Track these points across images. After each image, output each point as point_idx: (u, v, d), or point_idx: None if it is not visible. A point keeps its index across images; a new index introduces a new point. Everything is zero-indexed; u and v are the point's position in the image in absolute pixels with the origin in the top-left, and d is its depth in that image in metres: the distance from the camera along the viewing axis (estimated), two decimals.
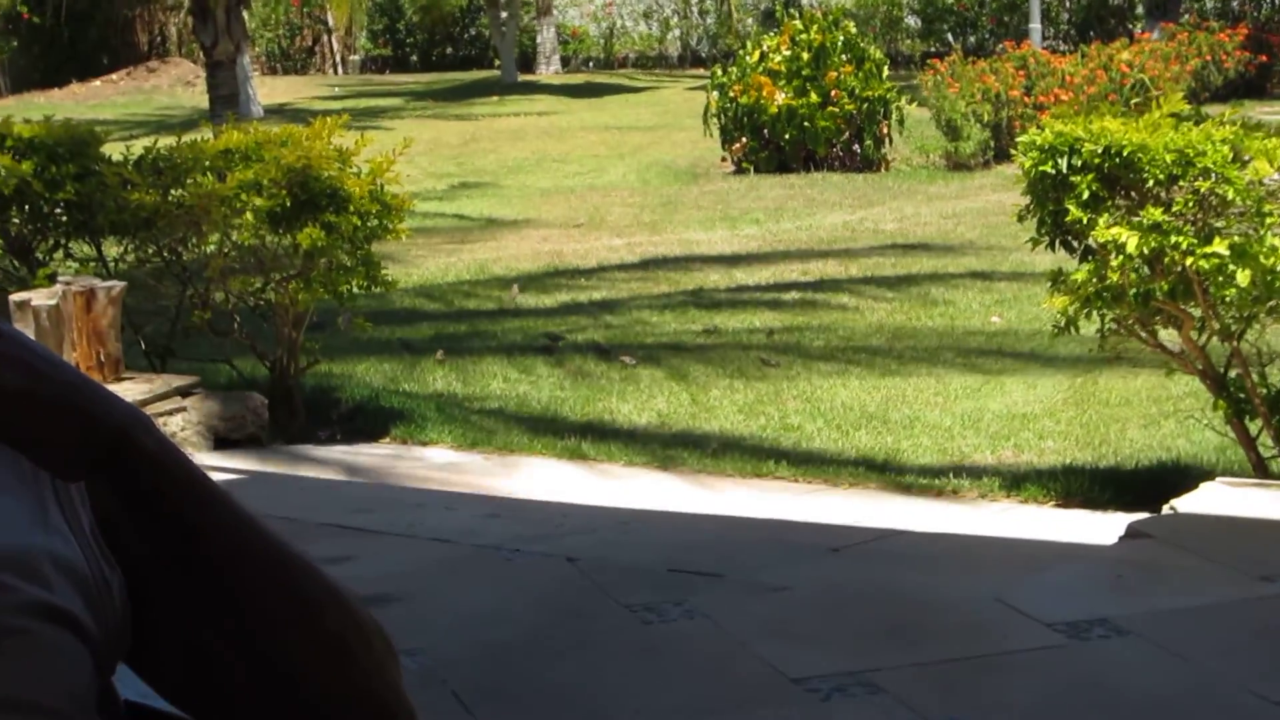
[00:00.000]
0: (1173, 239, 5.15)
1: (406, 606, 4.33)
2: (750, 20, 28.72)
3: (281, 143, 6.92)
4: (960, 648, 3.98)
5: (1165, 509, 5.27)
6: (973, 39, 26.81)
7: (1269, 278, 5.13)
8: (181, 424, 6.60)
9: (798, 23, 16.59)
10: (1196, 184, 5.18)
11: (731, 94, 16.22)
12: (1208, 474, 5.78)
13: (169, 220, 6.95)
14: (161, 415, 6.43)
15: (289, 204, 6.70)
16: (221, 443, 6.71)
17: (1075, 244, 5.58)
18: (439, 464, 6.68)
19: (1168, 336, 5.79)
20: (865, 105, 15.98)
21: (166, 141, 7.45)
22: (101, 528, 1.06)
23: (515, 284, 10.52)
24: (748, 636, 4.07)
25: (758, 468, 6.47)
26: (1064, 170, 5.33)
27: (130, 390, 6.46)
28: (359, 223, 6.79)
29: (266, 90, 23.38)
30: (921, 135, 16.47)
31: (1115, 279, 5.34)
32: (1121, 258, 5.23)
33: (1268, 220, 5.16)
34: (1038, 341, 8.10)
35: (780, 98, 15.87)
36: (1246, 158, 5.19)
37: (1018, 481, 6.07)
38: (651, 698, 3.71)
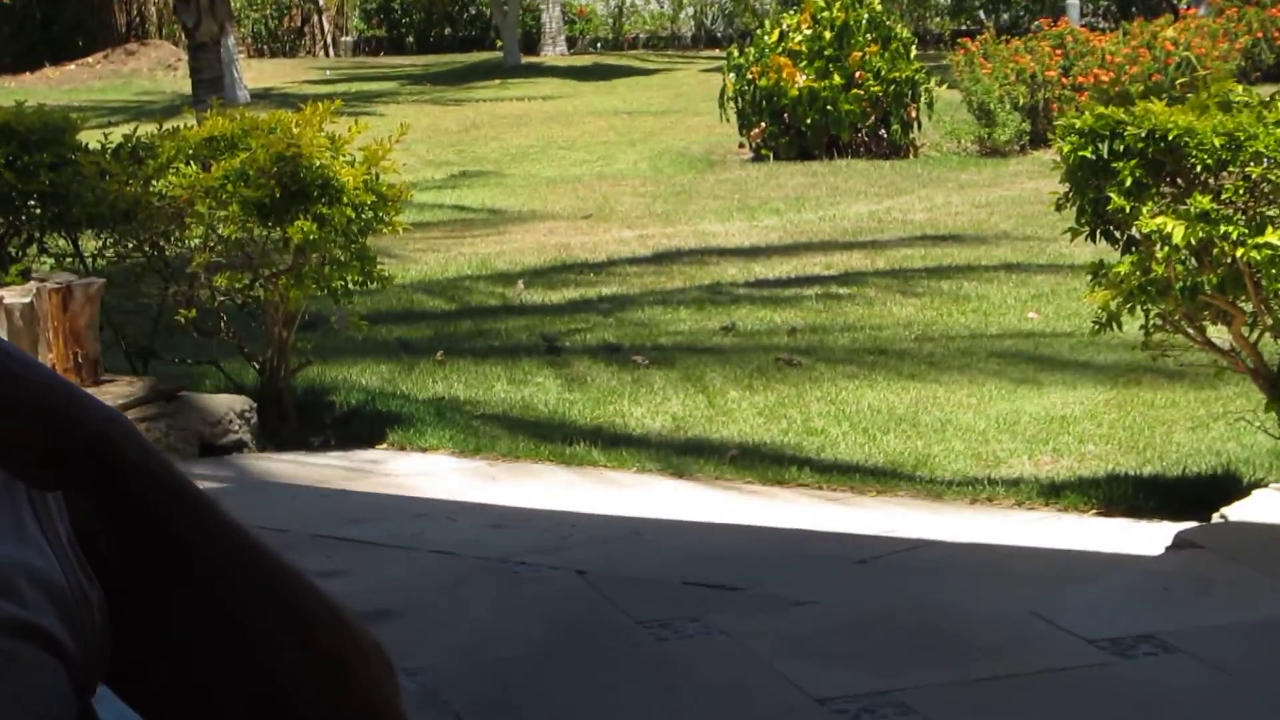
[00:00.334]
0: (1222, 229, 5.14)
1: (406, 622, 4.34)
2: None
3: (270, 130, 6.93)
4: (996, 666, 3.98)
5: (1215, 517, 5.27)
6: (1006, 16, 26.81)
7: None
8: (165, 429, 6.61)
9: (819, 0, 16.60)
10: (1247, 170, 5.18)
11: (749, 76, 16.22)
12: (1260, 480, 5.77)
13: (150, 213, 6.97)
14: (144, 420, 6.45)
15: (278, 195, 6.71)
16: (208, 449, 6.72)
17: (1117, 234, 5.58)
18: (439, 471, 6.68)
19: (1217, 333, 5.78)
20: (892, 87, 15.97)
21: (147, 129, 7.47)
22: (81, 540, 1.05)
23: (520, 279, 10.53)
24: (769, 654, 4.07)
25: (779, 475, 6.47)
26: (1105, 156, 5.33)
27: (110, 394, 6.47)
28: (353, 215, 6.80)
29: (253, 74, 23.41)
30: (952, 119, 16.46)
31: (1160, 271, 5.33)
32: (1167, 249, 5.22)
33: None
34: (1078, 339, 8.09)
35: (801, 80, 15.87)
36: None
37: (1057, 489, 6.06)
38: None
